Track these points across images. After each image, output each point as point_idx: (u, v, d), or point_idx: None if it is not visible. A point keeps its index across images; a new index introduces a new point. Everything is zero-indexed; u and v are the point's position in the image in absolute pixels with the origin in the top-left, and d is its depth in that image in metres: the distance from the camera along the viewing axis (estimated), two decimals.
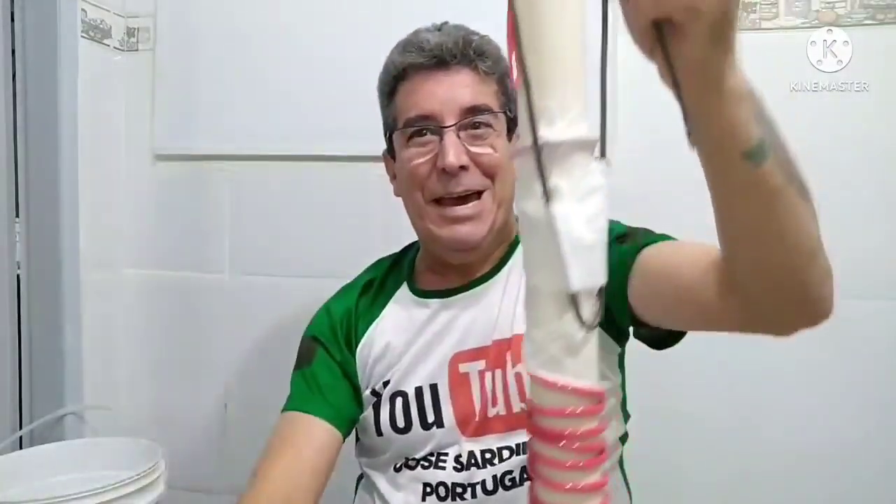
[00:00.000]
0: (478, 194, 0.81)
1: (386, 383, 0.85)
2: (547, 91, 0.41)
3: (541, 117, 0.41)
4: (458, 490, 0.79)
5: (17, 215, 1.22)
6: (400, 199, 0.89)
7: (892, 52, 1.06)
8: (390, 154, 0.89)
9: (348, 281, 0.96)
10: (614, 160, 1.15)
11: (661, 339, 0.76)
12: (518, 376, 0.80)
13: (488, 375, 0.81)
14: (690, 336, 0.74)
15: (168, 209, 1.35)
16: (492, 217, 0.82)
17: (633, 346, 0.83)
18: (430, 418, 0.82)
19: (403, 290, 0.91)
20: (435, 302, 0.87)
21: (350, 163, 1.25)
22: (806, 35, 1.08)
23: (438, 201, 0.82)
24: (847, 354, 1.07)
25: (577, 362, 0.45)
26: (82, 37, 1.23)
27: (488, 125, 0.81)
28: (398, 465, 0.83)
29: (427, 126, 0.81)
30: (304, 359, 0.89)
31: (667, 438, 1.13)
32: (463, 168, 0.79)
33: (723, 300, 0.59)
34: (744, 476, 1.13)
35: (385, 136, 0.90)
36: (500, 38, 0.77)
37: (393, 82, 0.85)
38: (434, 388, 0.83)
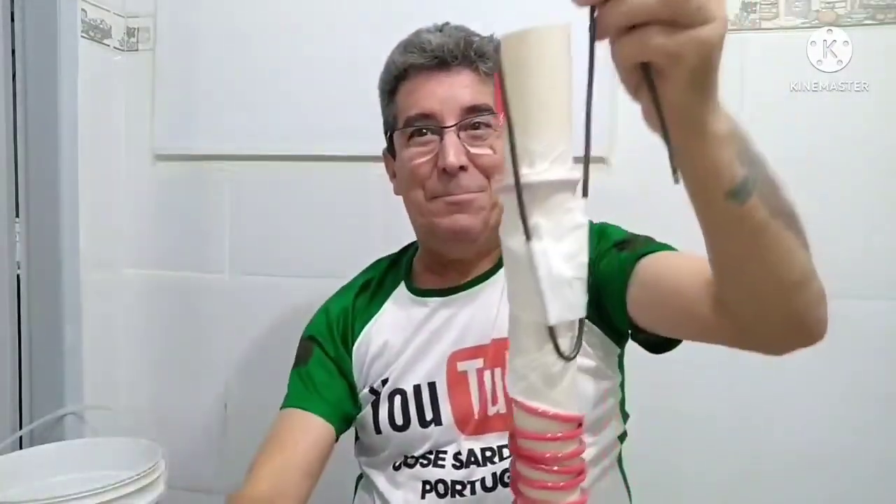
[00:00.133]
0: (475, 194, 0.82)
1: (385, 381, 0.85)
2: (529, 133, 0.44)
3: (522, 158, 0.44)
4: (458, 487, 0.80)
5: (17, 215, 1.22)
6: (399, 197, 0.89)
7: (892, 52, 1.06)
8: (390, 153, 0.90)
9: (348, 281, 0.97)
10: (614, 160, 1.15)
11: (659, 344, 0.77)
12: None
13: (487, 374, 0.81)
14: None
15: (168, 209, 1.35)
16: (485, 213, 0.83)
17: (634, 345, 0.83)
18: (429, 416, 0.82)
19: (401, 289, 0.91)
20: (433, 300, 0.87)
21: (350, 163, 1.25)
22: (806, 35, 1.08)
23: (438, 199, 0.82)
24: (847, 354, 1.07)
25: (556, 391, 0.47)
26: (82, 37, 1.24)
27: (488, 125, 0.81)
28: (397, 464, 0.84)
29: (427, 126, 0.82)
30: (301, 358, 0.90)
31: (666, 438, 1.14)
32: (462, 168, 0.80)
33: (717, 317, 0.60)
34: (743, 476, 1.13)
35: (385, 135, 0.90)
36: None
37: (394, 82, 0.85)
38: (432, 386, 0.83)
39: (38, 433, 1.19)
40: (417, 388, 0.83)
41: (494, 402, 0.81)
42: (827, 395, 1.10)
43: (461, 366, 0.82)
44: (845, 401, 1.09)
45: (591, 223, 0.85)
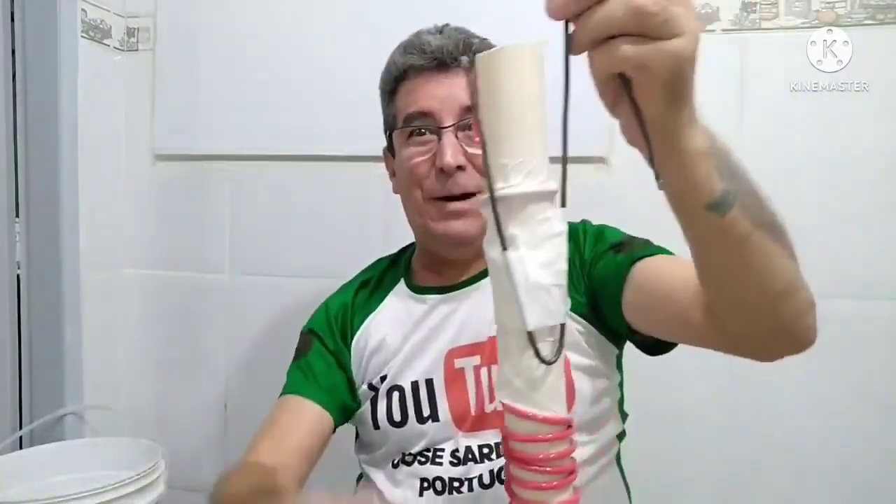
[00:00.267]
0: (474, 194, 0.82)
1: (383, 378, 0.85)
2: (503, 148, 0.46)
3: (497, 173, 0.46)
4: (455, 484, 0.80)
5: (17, 215, 1.22)
6: (398, 196, 0.90)
7: (892, 52, 1.06)
8: (390, 152, 0.90)
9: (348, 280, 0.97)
10: (614, 160, 1.15)
11: (654, 346, 0.77)
12: None
13: (483, 371, 0.82)
14: None
15: (168, 209, 1.35)
16: (481, 217, 0.83)
17: (633, 346, 0.83)
18: (426, 412, 0.82)
19: (401, 286, 0.92)
20: (432, 297, 0.88)
21: (350, 163, 1.25)
22: (806, 35, 1.08)
23: (436, 199, 0.83)
24: (846, 354, 1.07)
25: (540, 394, 0.48)
26: (82, 37, 1.24)
27: None
28: (395, 461, 0.84)
29: (426, 125, 0.82)
30: (300, 352, 0.91)
31: (666, 438, 1.14)
32: (460, 168, 0.80)
33: (708, 324, 0.61)
34: (743, 476, 1.13)
35: (385, 134, 0.91)
36: (500, 39, 0.77)
37: (394, 82, 0.86)
38: (430, 383, 0.83)
39: (38, 433, 1.19)
40: (415, 385, 0.83)
41: (491, 399, 0.81)
42: (826, 395, 1.10)
43: (458, 363, 0.83)
44: (845, 401, 1.09)
45: (589, 224, 0.86)
